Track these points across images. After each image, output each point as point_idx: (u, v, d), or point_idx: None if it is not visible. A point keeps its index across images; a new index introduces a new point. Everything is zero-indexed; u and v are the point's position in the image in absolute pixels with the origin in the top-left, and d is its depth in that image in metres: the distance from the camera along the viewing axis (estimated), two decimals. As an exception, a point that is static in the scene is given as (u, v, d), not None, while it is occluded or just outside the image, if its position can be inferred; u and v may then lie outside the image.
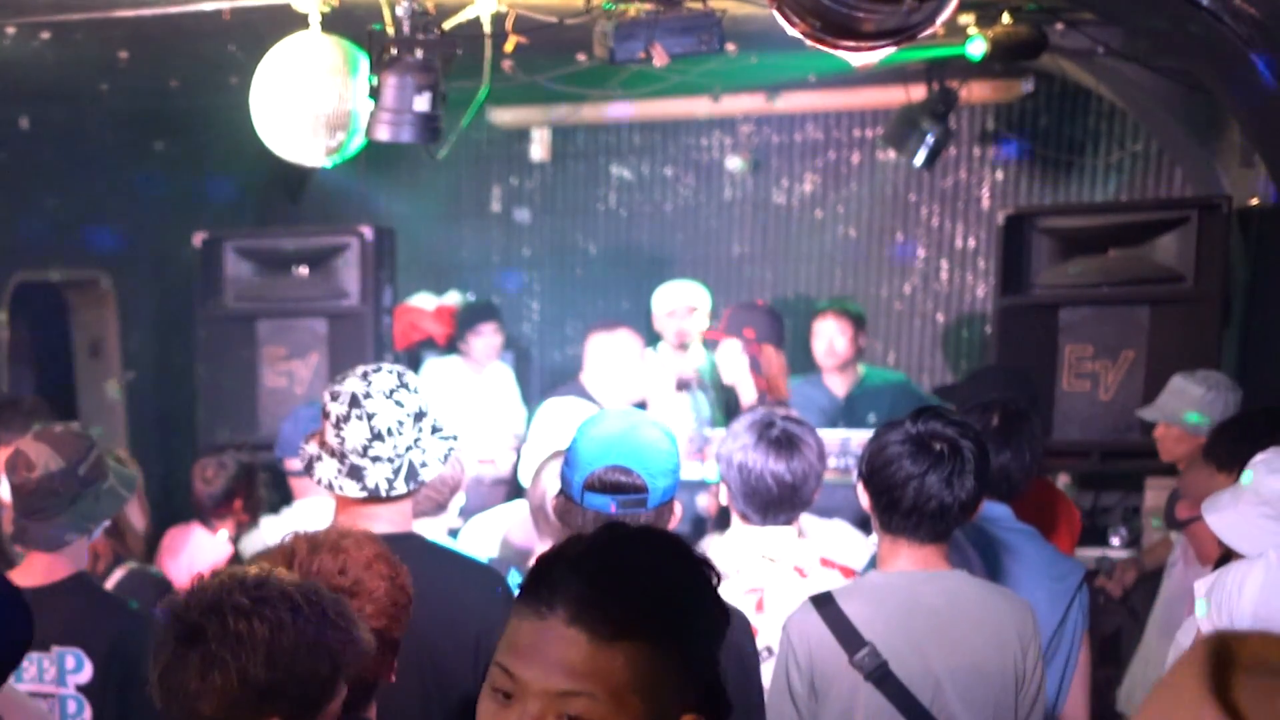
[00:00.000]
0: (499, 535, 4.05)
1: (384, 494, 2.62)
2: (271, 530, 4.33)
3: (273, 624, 1.75)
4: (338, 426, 2.62)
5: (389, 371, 2.68)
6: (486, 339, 6.39)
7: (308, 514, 4.11)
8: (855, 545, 3.82)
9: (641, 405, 5.38)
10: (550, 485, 3.39)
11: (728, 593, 2.95)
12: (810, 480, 3.04)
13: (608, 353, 5.49)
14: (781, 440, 3.03)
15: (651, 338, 6.14)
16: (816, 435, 3.13)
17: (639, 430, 2.52)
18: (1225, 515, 2.90)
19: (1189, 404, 4.25)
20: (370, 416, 2.60)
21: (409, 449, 2.64)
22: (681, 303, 6.01)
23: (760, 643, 2.92)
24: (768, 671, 2.82)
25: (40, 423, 3.53)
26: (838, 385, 5.91)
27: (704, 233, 7.57)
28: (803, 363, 7.19)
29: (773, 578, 3.01)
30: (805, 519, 3.84)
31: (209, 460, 4.76)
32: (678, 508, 2.55)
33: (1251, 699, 1.03)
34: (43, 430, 3.09)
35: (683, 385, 5.57)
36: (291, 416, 4.61)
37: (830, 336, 5.84)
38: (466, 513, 5.13)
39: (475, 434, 5.98)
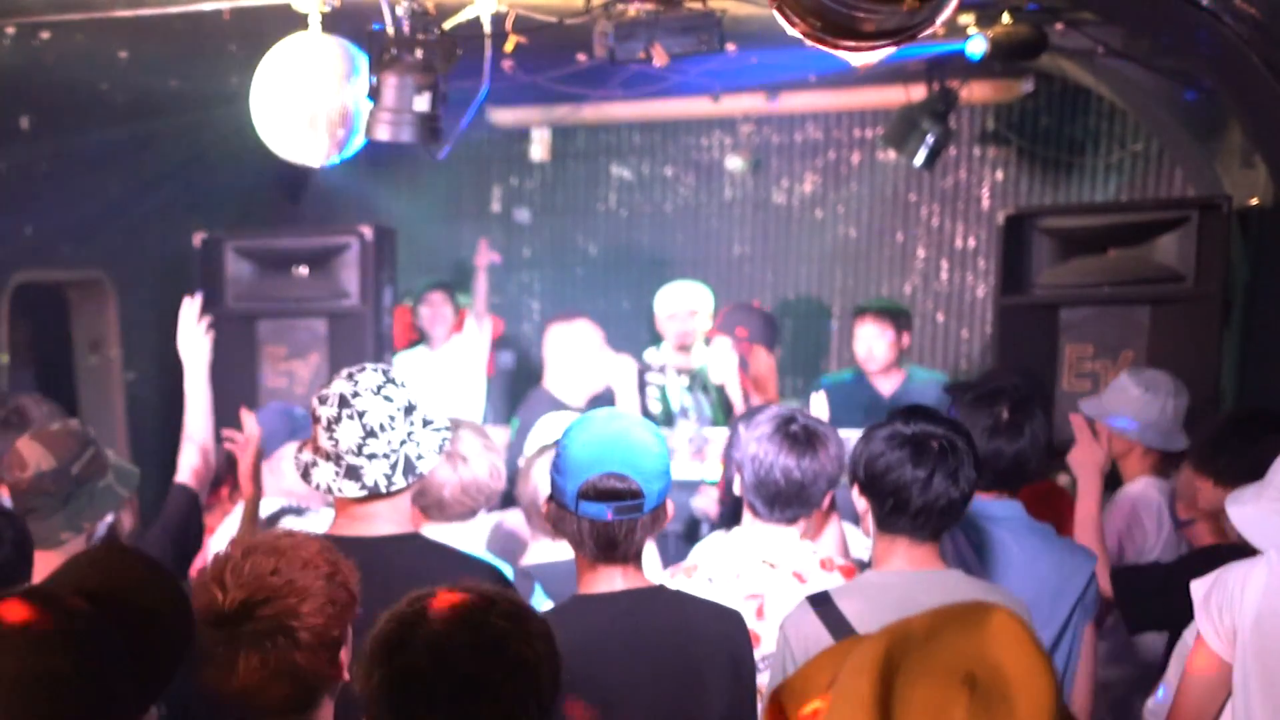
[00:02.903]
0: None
1: (384, 490, 2.63)
2: (225, 532, 4.29)
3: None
4: (329, 429, 2.62)
5: (374, 370, 2.69)
6: (435, 309, 6.36)
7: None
8: (858, 545, 3.82)
9: (605, 396, 5.37)
10: (540, 482, 3.38)
11: (727, 598, 2.96)
12: (820, 481, 3.05)
13: (566, 344, 5.45)
14: (799, 437, 3.03)
15: (654, 339, 6.14)
16: (838, 438, 3.12)
17: (630, 434, 2.49)
18: (1245, 510, 2.90)
19: (1125, 404, 4.14)
20: (361, 415, 2.60)
21: (403, 443, 2.65)
22: (683, 305, 5.99)
23: (761, 651, 2.89)
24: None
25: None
26: (884, 385, 5.88)
27: (704, 233, 7.58)
28: (802, 363, 7.21)
29: (772, 584, 3.01)
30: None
31: None
32: (670, 507, 2.55)
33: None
34: (39, 430, 3.11)
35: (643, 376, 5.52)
36: (263, 409, 4.62)
37: (869, 342, 5.78)
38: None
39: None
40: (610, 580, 2.50)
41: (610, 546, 2.45)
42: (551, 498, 2.54)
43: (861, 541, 3.92)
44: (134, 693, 1.67)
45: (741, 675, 2.53)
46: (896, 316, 5.86)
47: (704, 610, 2.59)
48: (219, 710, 2.05)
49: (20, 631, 1.57)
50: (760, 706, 2.63)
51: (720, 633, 2.54)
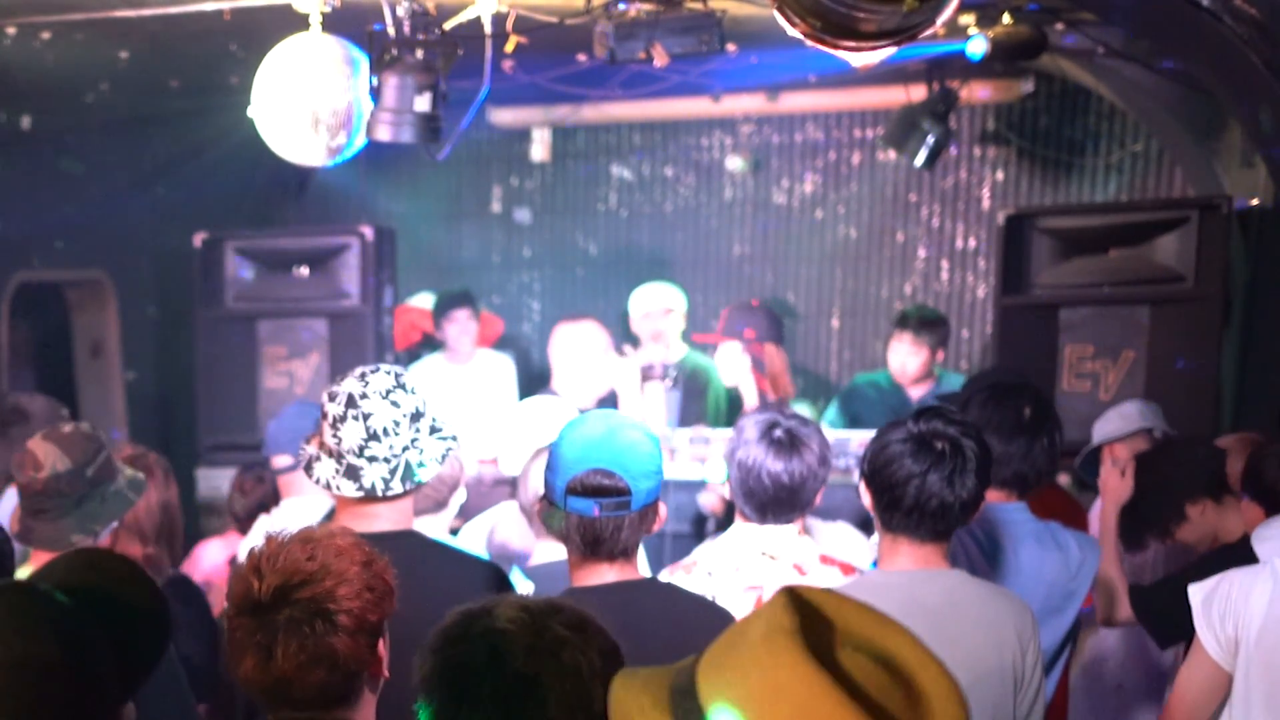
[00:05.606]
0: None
1: (380, 494, 2.63)
2: (262, 531, 4.32)
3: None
4: (335, 427, 2.63)
5: (386, 372, 2.69)
6: (460, 325, 6.26)
7: (295, 513, 4.11)
8: (858, 547, 3.82)
9: (611, 399, 5.35)
10: (538, 484, 3.39)
11: (727, 590, 2.96)
12: (809, 482, 3.04)
13: (573, 345, 5.42)
14: (783, 441, 3.02)
15: (630, 340, 6.12)
16: (822, 438, 3.11)
17: (621, 432, 2.49)
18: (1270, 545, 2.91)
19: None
20: (366, 417, 2.61)
21: (405, 449, 2.65)
22: (657, 304, 5.97)
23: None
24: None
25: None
26: (914, 391, 5.77)
27: (704, 233, 7.58)
28: (802, 363, 7.21)
29: (772, 575, 3.01)
30: (809, 522, 3.84)
31: (248, 475, 4.76)
32: (662, 509, 2.54)
33: (869, 679, 1.09)
34: (51, 430, 3.08)
35: (647, 376, 5.45)
36: (277, 415, 4.61)
37: (904, 358, 5.66)
38: (466, 512, 5.10)
39: (465, 431, 5.93)
40: (601, 574, 2.50)
41: (596, 543, 2.46)
42: (544, 496, 2.55)
43: (863, 544, 3.92)
44: (115, 684, 1.69)
45: None
46: (935, 333, 5.69)
47: (694, 602, 2.60)
48: (255, 704, 2.04)
49: (8, 620, 1.58)
50: None
51: (710, 624, 2.53)
